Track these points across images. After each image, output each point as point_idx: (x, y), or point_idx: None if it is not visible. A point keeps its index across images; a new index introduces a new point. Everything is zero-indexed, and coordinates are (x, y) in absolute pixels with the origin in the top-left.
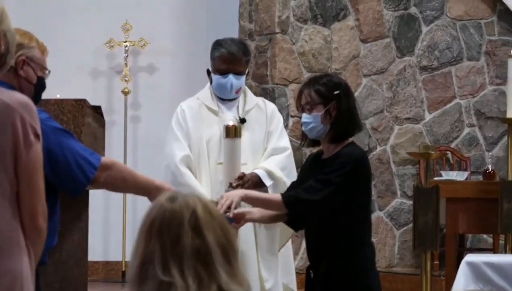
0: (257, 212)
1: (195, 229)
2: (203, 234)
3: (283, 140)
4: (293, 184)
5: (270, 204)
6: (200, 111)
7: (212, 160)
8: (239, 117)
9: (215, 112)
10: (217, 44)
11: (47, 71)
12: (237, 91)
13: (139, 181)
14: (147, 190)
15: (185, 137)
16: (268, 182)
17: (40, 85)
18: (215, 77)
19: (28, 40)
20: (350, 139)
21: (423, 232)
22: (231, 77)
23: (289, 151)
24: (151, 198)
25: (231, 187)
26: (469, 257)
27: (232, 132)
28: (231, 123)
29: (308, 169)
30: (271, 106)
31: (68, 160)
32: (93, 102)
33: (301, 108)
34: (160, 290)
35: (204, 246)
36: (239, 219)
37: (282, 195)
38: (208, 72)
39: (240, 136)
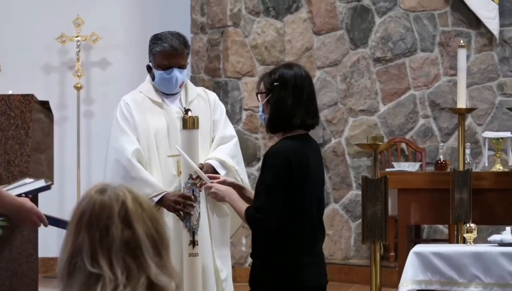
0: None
1: (125, 220)
2: (133, 226)
3: (229, 129)
4: None
5: (238, 213)
6: (144, 104)
7: (162, 152)
8: (184, 108)
9: (159, 105)
10: (157, 39)
11: None
12: (181, 85)
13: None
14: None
15: (132, 131)
16: (222, 172)
17: None
18: (158, 72)
19: None
20: (299, 132)
21: (372, 223)
22: (175, 72)
23: (236, 138)
24: (17, 219)
25: (191, 178)
26: (417, 248)
27: (190, 124)
28: (189, 114)
29: None
30: (212, 95)
31: None
32: (46, 97)
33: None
34: (89, 282)
35: (134, 238)
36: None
37: (246, 209)
38: (149, 68)
39: (197, 127)
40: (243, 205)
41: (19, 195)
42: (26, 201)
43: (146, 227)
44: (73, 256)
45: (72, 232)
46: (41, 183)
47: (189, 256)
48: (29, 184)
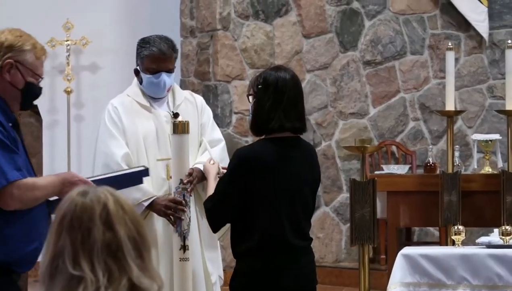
0: None
1: (106, 223)
2: (114, 228)
3: (216, 132)
4: None
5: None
6: (132, 107)
7: (151, 156)
8: (172, 112)
9: (147, 109)
10: (145, 43)
11: (40, 78)
12: (169, 89)
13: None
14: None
15: (121, 135)
16: None
17: (29, 91)
18: (146, 76)
19: (22, 42)
20: (283, 135)
21: (360, 225)
22: (164, 76)
23: (223, 142)
24: (61, 195)
25: (182, 183)
26: (405, 250)
27: (180, 129)
28: (179, 119)
29: None
30: (199, 99)
31: None
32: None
33: None
34: (70, 284)
35: (115, 240)
36: None
37: (209, 196)
38: (136, 72)
39: (188, 132)
40: (211, 190)
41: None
42: (66, 173)
43: (127, 229)
44: (55, 258)
45: (54, 234)
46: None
47: (180, 260)
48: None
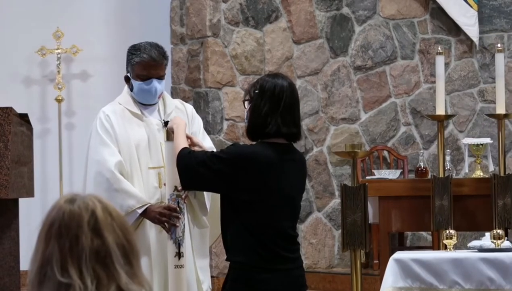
0: None
1: (94, 230)
2: (103, 235)
3: (207, 141)
4: None
5: (175, 146)
6: (124, 115)
7: (143, 164)
8: (163, 120)
9: (139, 117)
10: (136, 50)
11: None
12: (160, 96)
13: None
14: None
15: (114, 143)
16: None
17: None
18: (136, 83)
19: None
20: (278, 141)
21: (352, 231)
22: (155, 83)
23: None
24: None
25: (176, 190)
26: (397, 254)
27: (173, 136)
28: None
29: None
30: (190, 108)
31: None
32: (27, 111)
33: None
34: None
35: (104, 247)
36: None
37: (184, 147)
38: (127, 78)
39: None
40: (182, 142)
41: None
42: None
43: (116, 236)
44: (43, 266)
45: (42, 242)
46: None
47: (175, 267)
48: None
